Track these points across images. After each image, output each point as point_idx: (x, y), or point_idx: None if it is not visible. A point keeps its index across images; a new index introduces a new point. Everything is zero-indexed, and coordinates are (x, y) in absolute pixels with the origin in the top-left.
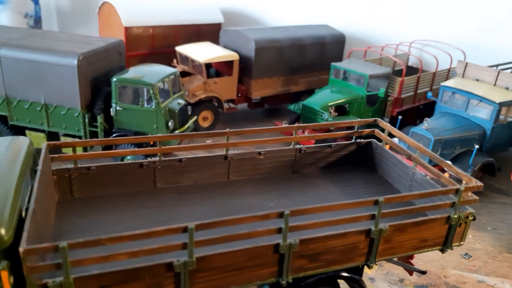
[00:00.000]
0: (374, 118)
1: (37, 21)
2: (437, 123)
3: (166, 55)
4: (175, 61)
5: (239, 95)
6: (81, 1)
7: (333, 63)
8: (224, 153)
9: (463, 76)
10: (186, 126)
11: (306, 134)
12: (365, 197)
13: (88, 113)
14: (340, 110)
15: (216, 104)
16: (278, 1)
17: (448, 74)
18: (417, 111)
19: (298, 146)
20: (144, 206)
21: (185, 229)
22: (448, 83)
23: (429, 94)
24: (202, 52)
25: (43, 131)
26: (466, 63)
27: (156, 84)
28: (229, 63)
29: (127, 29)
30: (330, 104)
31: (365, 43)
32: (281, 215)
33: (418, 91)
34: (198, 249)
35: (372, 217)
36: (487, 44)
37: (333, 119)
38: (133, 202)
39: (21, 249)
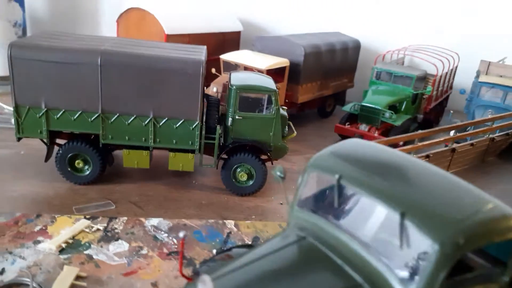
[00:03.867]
0: None
1: (24, 30)
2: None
3: None
4: (213, 70)
5: (286, 100)
6: (62, 8)
7: (374, 66)
8: None
9: (486, 74)
10: (294, 132)
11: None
12: None
13: (203, 124)
14: (391, 108)
15: None
16: (283, 11)
17: (451, 73)
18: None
19: None
20: None
21: None
22: (485, 79)
23: (462, 90)
24: (256, 59)
25: (146, 148)
26: (489, 62)
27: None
28: (276, 70)
29: (168, 37)
30: (390, 103)
31: (368, 49)
32: None
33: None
34: None
35: None
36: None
37: (394, 117)
38: None
39: None
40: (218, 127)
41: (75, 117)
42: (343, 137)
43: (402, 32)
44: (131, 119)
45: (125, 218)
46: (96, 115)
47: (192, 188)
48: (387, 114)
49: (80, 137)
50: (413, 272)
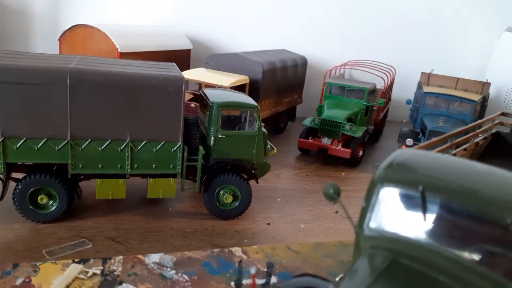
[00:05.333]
0: (501, 112)
1: None
2: (438, 121)
3: None
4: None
5: None
6: None
7: (327, 81)
8: None
9: (427, 84)
10: (275, 149)
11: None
12: None
13: (185, 145)
14: (349, 121)
15: None
16: (230, 29)
17: (391, 86)
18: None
19: None
20: None
21: None
22: (429, 89)
23: (409, 100)
24: (216, 77)
25: (122, 176)
26: (429, 74)
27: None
28: (236, 87)
29: (121, 55)
30: (348, 116)
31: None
32: None
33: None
34: None
35: None
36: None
37: (354, 129)
38: None
39: None
40: (200, 147)
41: (39, 146)
42: (303, 150)
43: (339, 49)
44: (105, 144)
45: (121, 257)
46: (65, 142)
47: (171, 216)
48: (347, 127)
49: (42, 168)
50: None
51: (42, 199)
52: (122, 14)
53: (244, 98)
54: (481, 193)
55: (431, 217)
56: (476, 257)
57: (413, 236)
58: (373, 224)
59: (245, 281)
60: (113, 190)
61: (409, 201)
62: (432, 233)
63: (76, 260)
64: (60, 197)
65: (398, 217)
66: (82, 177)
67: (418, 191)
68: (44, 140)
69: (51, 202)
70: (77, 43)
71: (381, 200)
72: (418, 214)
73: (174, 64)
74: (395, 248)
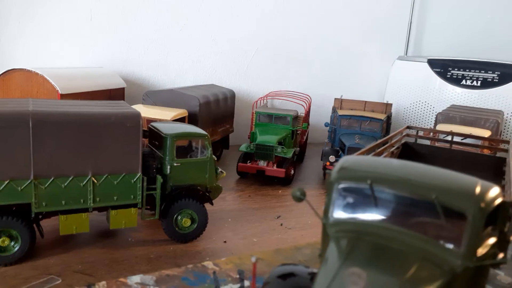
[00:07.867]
0: (407, 125)
1: None
2: (354, 139)
3: None
4: None
5: None
6: None
7: (256, 110)
8: None
9: (341, 108)
10: (224, 173)
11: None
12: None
13: (144, 176)
14: (279, 144)
15: None
16: (156, 66)
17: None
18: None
19: None
20: None
21: None
22: (343, 112)
23: (327, 123)
24: (156, 112)
25: (85, 210)
26: (341, 99)
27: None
28: (175, 120)
29: (62, 96)
30: (278, 140)
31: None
32: None
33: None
34: None
35: None
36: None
37: (285, 151)
38: None
39: None
40: (158, 176)
41: (1, 188)
42: (242, 174)
43: (261, 82)
44: (68, 181)
45: (104, 282)
46: (28, 182)
47: (132, 245)
48: (279, 149)
49: (1, 210)
50: (458, 239)
51: (4, 241)
52: (49, 57)
53: (193, 128)
54: (412, 181)
55: (380, 202)
56: (414, 227)
57: (368, 219)
58: (335, 214)
59: None
60: (77, 225)
61: (361, 193)
62: (382, 214)
63: None
64: (22, 237)
65: (355, 206)
66: (43, 214)
67: (367, 184)
68: (6, 182)
69: (12, 243)
70: (13, 87)
71: (339, 195)
72: (370, 202)
73: (124, 101)
74: (355, 229)
